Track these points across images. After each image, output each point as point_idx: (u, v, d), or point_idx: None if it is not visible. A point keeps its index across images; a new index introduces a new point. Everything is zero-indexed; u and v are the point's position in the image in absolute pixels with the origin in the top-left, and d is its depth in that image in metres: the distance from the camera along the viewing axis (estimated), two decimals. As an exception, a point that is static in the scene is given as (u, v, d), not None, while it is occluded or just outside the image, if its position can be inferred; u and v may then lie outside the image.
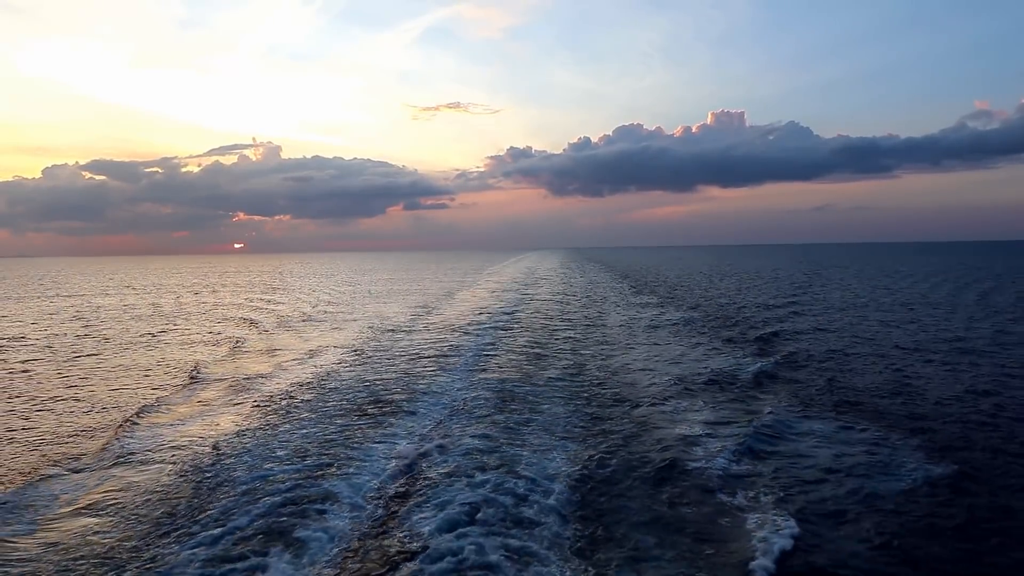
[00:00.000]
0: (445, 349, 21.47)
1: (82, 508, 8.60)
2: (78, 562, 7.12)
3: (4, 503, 8.82)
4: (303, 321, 32.29)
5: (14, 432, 12.50)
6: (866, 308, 31.84)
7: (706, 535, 7.48)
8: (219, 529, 7.74)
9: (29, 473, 10.07)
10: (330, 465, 9.98)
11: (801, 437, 11.02)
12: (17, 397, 15.64)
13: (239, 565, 6.95)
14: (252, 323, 31.37)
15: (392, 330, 27.60)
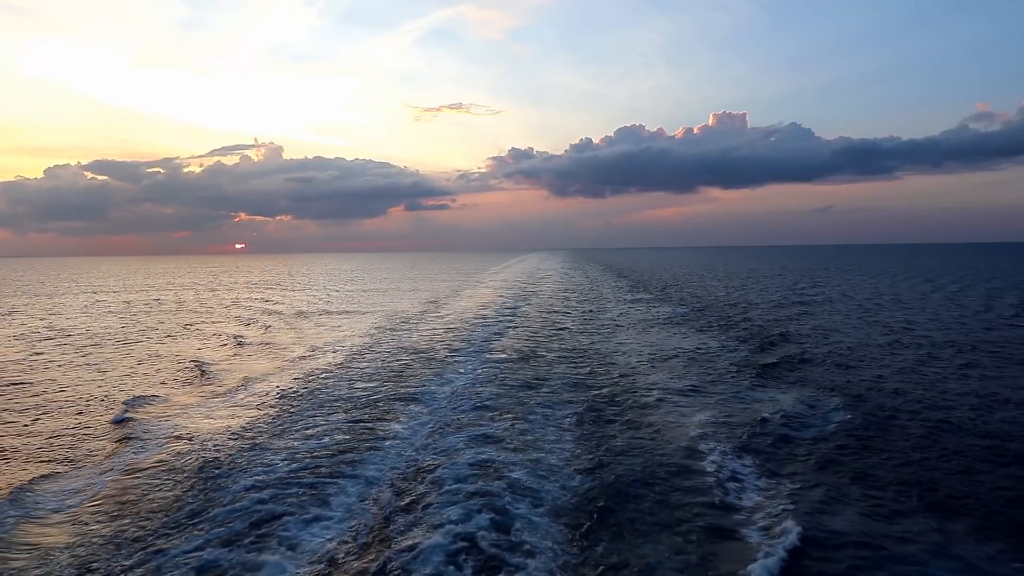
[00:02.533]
0: (450, 344, 21.60)
1: (85, 503, 8.57)
2: (80, 557, 7.09)
3: (8, 498, 8.76)
4: (308, 318, 32.58)
5: (21, 427, 12.49)
6: (868, 308, 31.83)
7: (708, 533, 7.47)
8: (222, 521, 7.76)
9: (34, 468, 10.03)
10: (335, 457, 10.04)
11: (802, 436, 11.03)
12: (25, 392, 15.60)
13: (242, 556, 6.96)
14: (258, 320, 31.62)
15: (398, 325, 27.92)
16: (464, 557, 6.85)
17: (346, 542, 7.35)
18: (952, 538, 7.29)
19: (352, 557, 7.03)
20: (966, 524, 7.63)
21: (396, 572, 6.61)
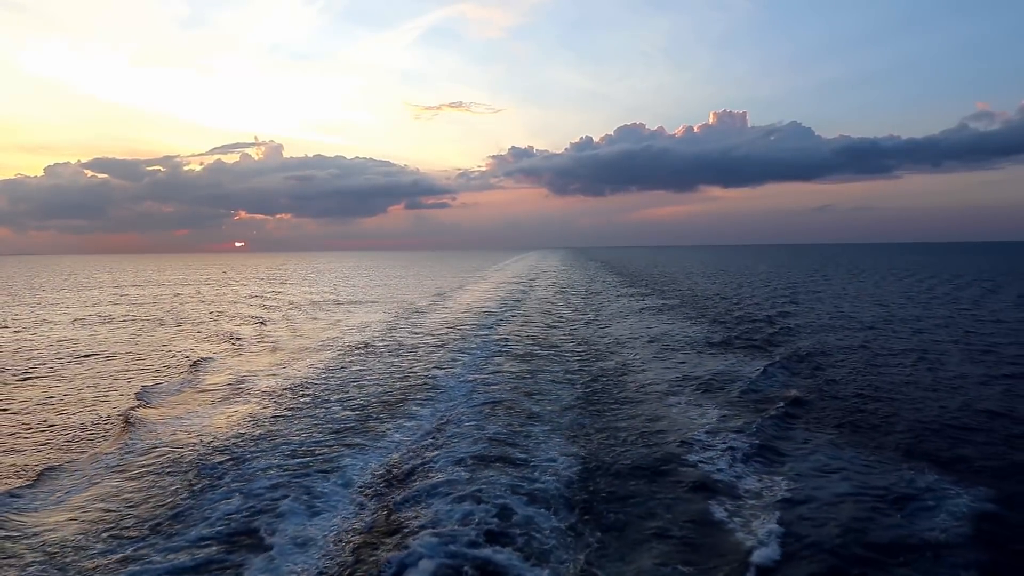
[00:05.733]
0: (450, 341, 21.59)
1: (83, 503, 8.38)
2: (79, 554, 7.00)
3: (11, 491, 8.71)
4: (310, 315, 33.15)
5: (24, 425, 12.31)
6: (868, 309, 30.73)
7: (704, 534, 7.39)
8: (219, 518, 7.72)
9: (35, 465, 9.86)
10: (334, 452, 10.07)
11: (800, 437, 10.83)
12: (28, 391, 15.26)
13: (238, 554, 6.91)
14: (260, 318, 31.41)
15: (400, 321, 28.64)
16: (463, 549, 6.86)
17: (347, 532, 7.43)
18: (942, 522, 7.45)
19: (352, 548, 7.05)
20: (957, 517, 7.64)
21: (394, 566, 6.61)
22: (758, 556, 6.77)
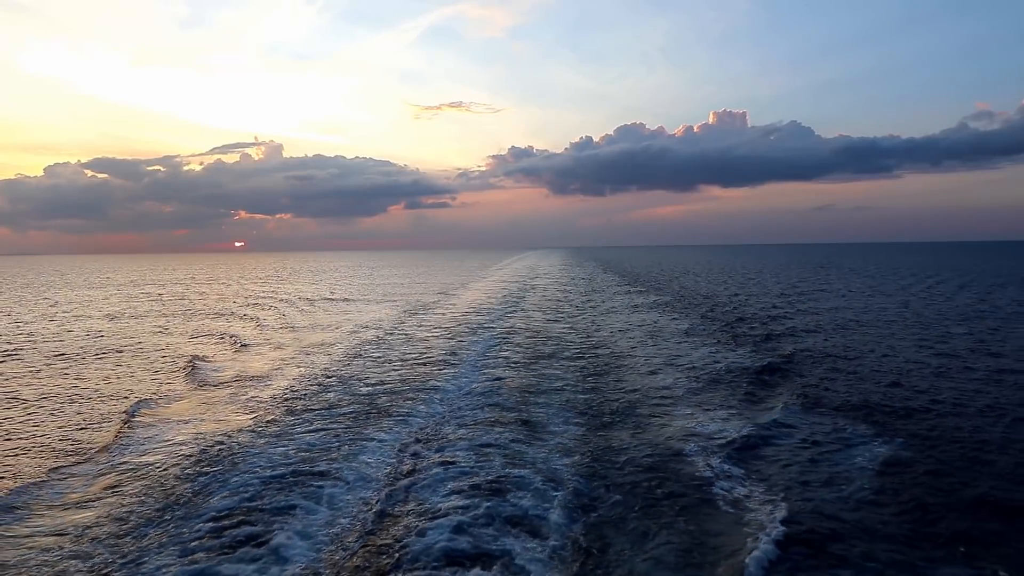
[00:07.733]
0: (451, 339, 21.55)
1: (83, 503, 8.37)
2: (77, 558, 6.93)
3: (10, 492, 8.69)
4: (315, 312, 33.60)
5: (22, 427, 12.19)
6: (865, 308, 30.43)
7: (704, 532, 7.41)
8: (216, 522, 7.59)
9: (33, 468, 9.80)
10: (333, 453, 9.95)
11: (800, 436, 10.82)
12: (27, 391, 15.02)
13: (236, 555, 6.84)
14: (265, 316, 31.14)
15: (406, 317, 29.50)
16: (462, 547, 6.90)
17: (348, 530, 7.46)
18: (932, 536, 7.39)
19: (352, 546, 7.07)
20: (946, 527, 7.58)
21: (396, 563, 6.64)
22: (758, 559, 6.77)
